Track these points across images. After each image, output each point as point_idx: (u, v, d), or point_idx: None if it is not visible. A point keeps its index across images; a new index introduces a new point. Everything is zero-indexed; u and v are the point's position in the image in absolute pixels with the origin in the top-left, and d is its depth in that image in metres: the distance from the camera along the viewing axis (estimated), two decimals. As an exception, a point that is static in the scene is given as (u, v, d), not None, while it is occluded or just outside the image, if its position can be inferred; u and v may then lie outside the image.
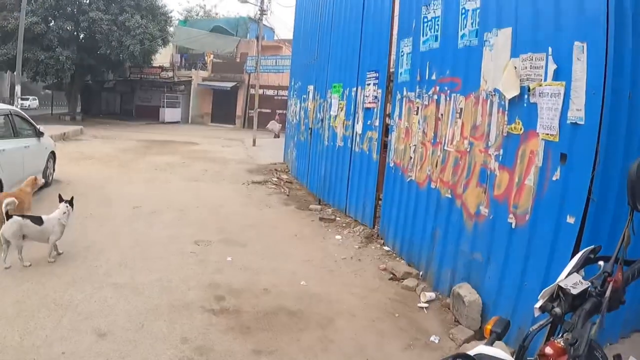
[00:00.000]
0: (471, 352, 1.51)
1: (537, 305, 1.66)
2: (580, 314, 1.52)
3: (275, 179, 13.12)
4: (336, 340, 4.52)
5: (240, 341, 4.38)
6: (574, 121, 3.88)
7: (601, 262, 1.75)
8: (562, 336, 1.51)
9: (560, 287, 1.62)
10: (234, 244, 7.17)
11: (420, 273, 6.09)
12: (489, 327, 1.64)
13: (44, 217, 5.94)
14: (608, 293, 1.56)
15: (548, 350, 1.47)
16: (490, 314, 4.67)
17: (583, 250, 1.83)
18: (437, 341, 4.61)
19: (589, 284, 1.63)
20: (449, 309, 5.17)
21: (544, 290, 1.66)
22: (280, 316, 4.92)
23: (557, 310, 1.57)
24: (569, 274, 1.69)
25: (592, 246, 1.85)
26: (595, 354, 1.47)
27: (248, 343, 4.35)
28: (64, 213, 6.08)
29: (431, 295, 5.50)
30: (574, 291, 1.58)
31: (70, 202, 6.24)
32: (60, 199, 6.26)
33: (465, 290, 4.90)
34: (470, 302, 4.76)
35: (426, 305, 5.36)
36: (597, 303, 1.56)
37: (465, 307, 4.77)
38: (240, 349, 4.24)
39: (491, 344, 1.59)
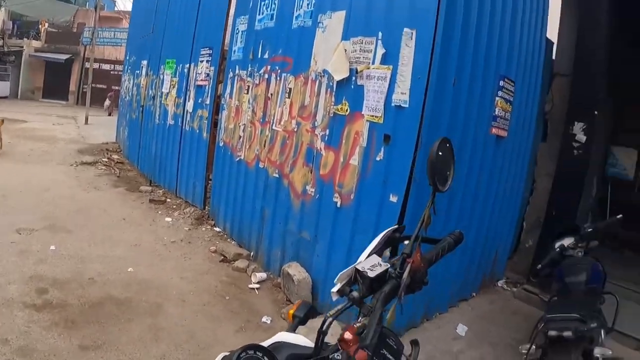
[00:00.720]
0: (271, 340, 1.40)
1: (334, 289, 1.48)
2: (379, 297, 1.37)
3: (106, 160, 11.69)
4: (167, 328, 4.01)
5: (65, 337, 3.71)
6: (398, 104, 3.75)
7: (407, 242, 1.60)
8: (360, 321, 1.36)
9: (357, 270, 1.46)
10: (59, 230, 6.05)
11: (251, 254, 5.63)
12: (291, 311, 1.51)
13: None
14: (406, 274, 1.42)
15: (347, 335, 1.29)
16: (320, 292, 4.46)
17: (385, 230, 1.69)
18: (269, 322, 4.28)
19: (388, 265, 1.49)
20: (280, 288, 4.86)
21: (340, 273, 1.47)
22: (108, 306, 4.24)
23: (355, 294, 1.41)
24: (369, 255, 1.56)
25: (395, 225, 1.73)
26: (388, 341, 1.35)
27: (74, 338, 3.71)
28: None
29: (262, 275, 5.11)
30: (372, 274, 1.44)
31: None
32: None
33: (295, 269, 4.63)
34: (299, 281, 4.49)
35: (257, 286, 4.98)
36: (397, 285, 1.43)
37: (295, 286, 4.50)
38: (65, 346, 3.61)
39: (294, 329, 1.47)
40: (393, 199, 3.69)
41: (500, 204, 5.08)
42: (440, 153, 1.54)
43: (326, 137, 4.41)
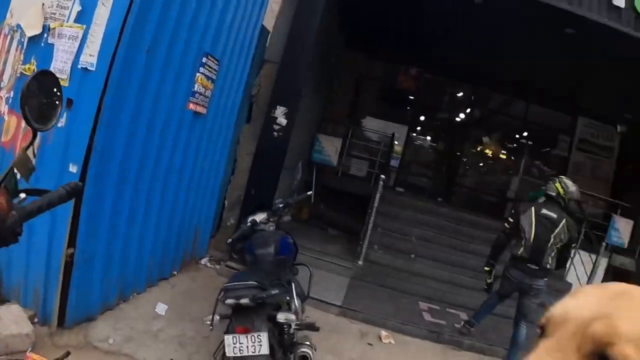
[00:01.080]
0: None
1: None
2: None
3: None
4: None
5: None
6: (85, 66, 3.32)
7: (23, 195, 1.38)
8: None
9: None
10: None
11: None
12: None
13: None
14: None
15: None
16: (6, 276, 3.77)
17: None
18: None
19: None
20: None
21: None
22: None
23: None
24: None
25: None
26: None
27: None
28: None
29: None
30: None
31: None
32: None
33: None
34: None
35: None
36: None
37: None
38: None
39: None
40: (72, 168, 3.28)
41: (198, 181, 4.96)
42: (36, 86, 1.34)
43: (10, 100, 3.75)
